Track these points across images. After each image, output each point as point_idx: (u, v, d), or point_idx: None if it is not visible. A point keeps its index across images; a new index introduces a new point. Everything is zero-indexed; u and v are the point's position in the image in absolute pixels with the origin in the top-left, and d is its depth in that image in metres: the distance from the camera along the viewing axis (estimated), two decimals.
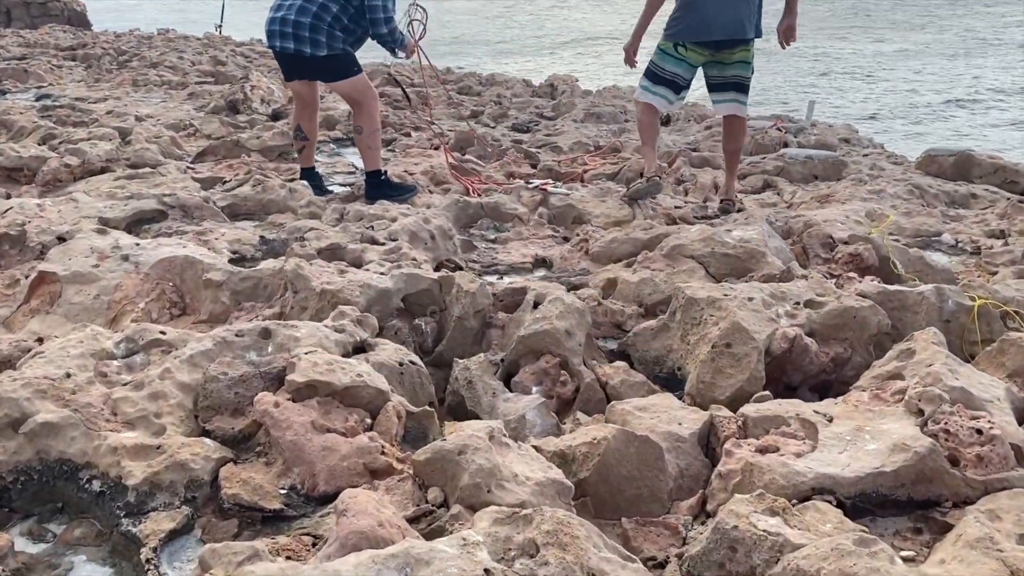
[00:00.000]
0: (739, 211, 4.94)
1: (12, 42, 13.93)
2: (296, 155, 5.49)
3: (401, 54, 5.11)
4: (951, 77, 20.72)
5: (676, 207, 5.10)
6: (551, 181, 5.01)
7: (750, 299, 3.08)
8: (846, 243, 4.00)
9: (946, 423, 2.23)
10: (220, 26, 16.51)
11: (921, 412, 2.32)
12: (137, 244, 3.71)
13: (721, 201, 5.08)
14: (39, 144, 6.01)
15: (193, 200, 4.36)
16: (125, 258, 3.62)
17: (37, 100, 9.17)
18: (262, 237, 4.17)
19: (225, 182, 5.60)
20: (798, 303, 3.16)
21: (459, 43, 26.67)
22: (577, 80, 11.81)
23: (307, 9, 4.68)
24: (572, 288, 3.90)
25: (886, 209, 4.99)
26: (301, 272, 3.24)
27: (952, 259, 4.46)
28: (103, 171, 5.49)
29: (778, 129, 7.15)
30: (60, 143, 6.00)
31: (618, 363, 3.07)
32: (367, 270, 3.45)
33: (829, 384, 3.10)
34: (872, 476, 2.12)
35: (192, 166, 5.99)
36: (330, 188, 5.56)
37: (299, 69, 5.03)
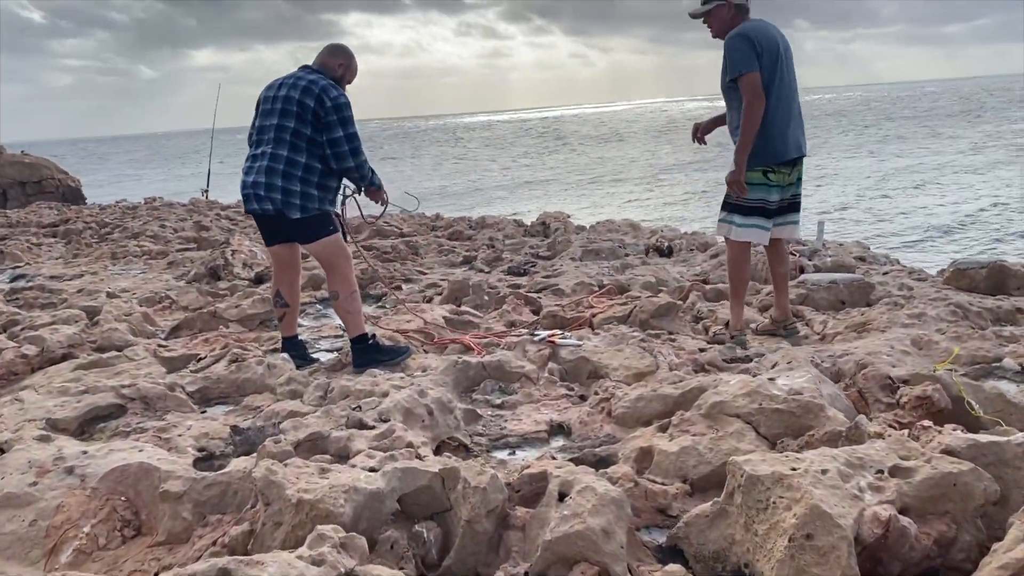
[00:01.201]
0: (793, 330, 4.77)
1: None
2: (277, 323, 5.00)
3: (373, 204, 4.76)
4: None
5: (700, 349, 4.59)
6: (558, 331, 4.51)
7: (824, 472, 2.50)
8: (908, 383, 3.46)
9: None
10: (206, 191, 16.52)
11: None
12: (84, 452, 3.15)
13: (784, 326, 4.87)
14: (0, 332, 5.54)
15: (155, 390, 3.82)
16: (69, 471, 3.06)
17: (11, 281, 8.81)
18: (234, 428, 3.61)
19: (200, 359, 5.10)
20: (881, 471, 2.58)
21: (445, 194, 27.00)
22: (569, 216, 11.58)
23: (274, 169, 4.32)
24: (599, 462, 3.32)
25: (932, 335, 4.48)
26: (273, 479, 2.66)
27: (1023, 387, 3.91)
28: (64, 358, 4.99)
29: (792, 254, 6.74)
30: (22, 329, 5.53)
31: (672, 567, 2.45)
32: (354, 465, 2.88)
33: (935, 572, 2.48)
34: None
35: (164, 343, 5.49)
36: (315, 356, 5.05)
37: (276, 231, 4.64)
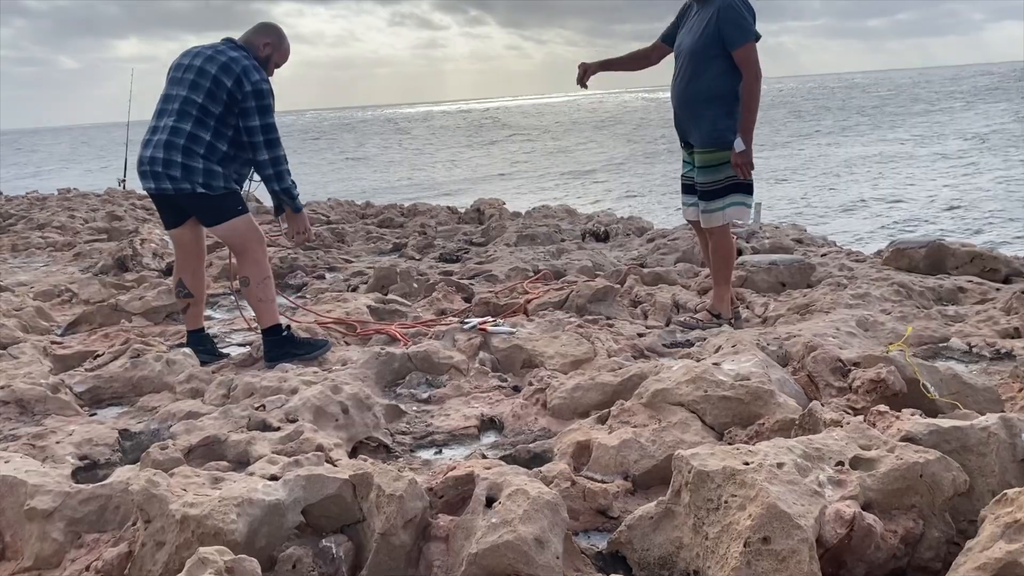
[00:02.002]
0: (730, 322, 4.46)
1: None
2: (181, 315, 4.57)
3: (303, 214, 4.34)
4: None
5: (639, 334, 4.33)
6: (490, 318, 4.19)
7: (780, 465, 2.24)
8: (860, 366, 3.25)
9: None
10: (123, 180, 15.69)
11: None
12: None
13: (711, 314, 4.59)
14: None
15: (34, 392, 3.38)
16: None
17: None
18: (123, 432, 3.19)
19: (97, 356, 4.63)
20: (841, 463, 2.34)
21: (375, 190, 26.28)
22: (504, 203, 11.27)
23: (174, 143, 3.90)
24: (533, 459, 3.02)
25: (878, 315, 4.31)
26: (154, 492, 2.29)
27: (972, 368, 3.75)
28: None
29: None
30: None
31: None
32: (252, 473, 2.52)
33: (901, 573, 2.26)
34: None
35: (59, 340, 5.00)
36: (226, 352, 4.63)
37: (177, 211, 4.21)
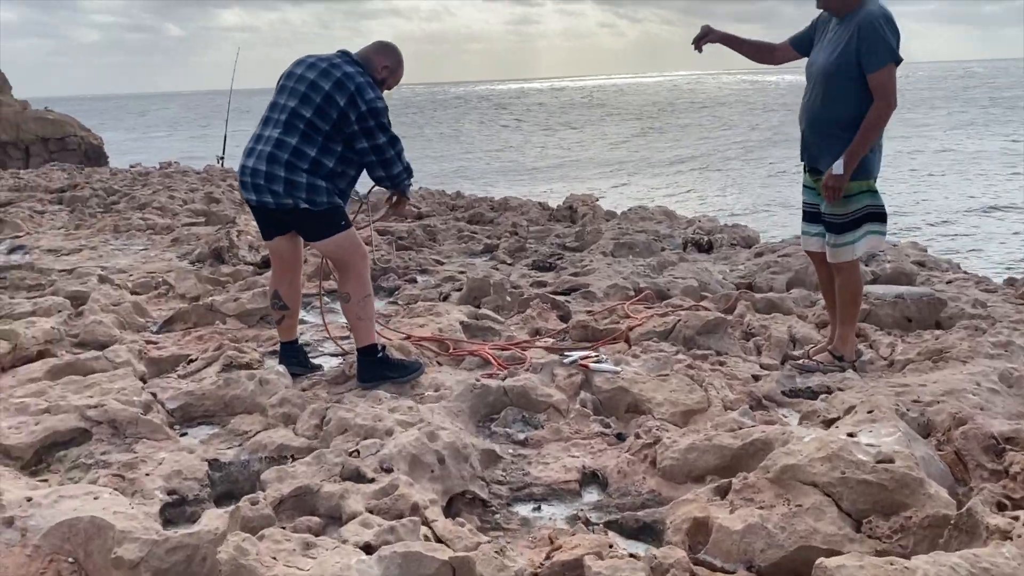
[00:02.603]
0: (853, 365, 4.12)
1: (3, 185, 13.33)
2: (275, 325, 4.46)
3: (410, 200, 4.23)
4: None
5: (754, 376, 4.01)
6: (592, 354, 3.94)
7: None
8: (1018, 445, 2.87)
9: None
10: (222, 158, 15.95)
11: None
12: (29, 499, 2.63)
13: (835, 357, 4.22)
14: None
15: (126, 413, 3.30)
16: (8, 522, 2.54)
17: (8, 253, 8.35)
18: (212, 463, 3.08)
19: (190, 360, 4.58)
20: None
21: (463, 174, 26.11)
22: (597, 199, 10.94)
23: (278, 157, 3.76)
24: (642, 529, 2.77)
25: (1022, 368, 3.87)
26: (243, 562, 2.14)
27: None
28: (40, 356, 4.48)
29: None
30: (1, 317, 5.03)
31: None
32: (345, 540, 2.34)
33: None
34: None
35: (154, 339, 4.98)
36: (318, 362, 4.51)
37: (276, 224, 4.08)
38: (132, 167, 17.76)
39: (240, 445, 3.40)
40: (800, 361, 4.10)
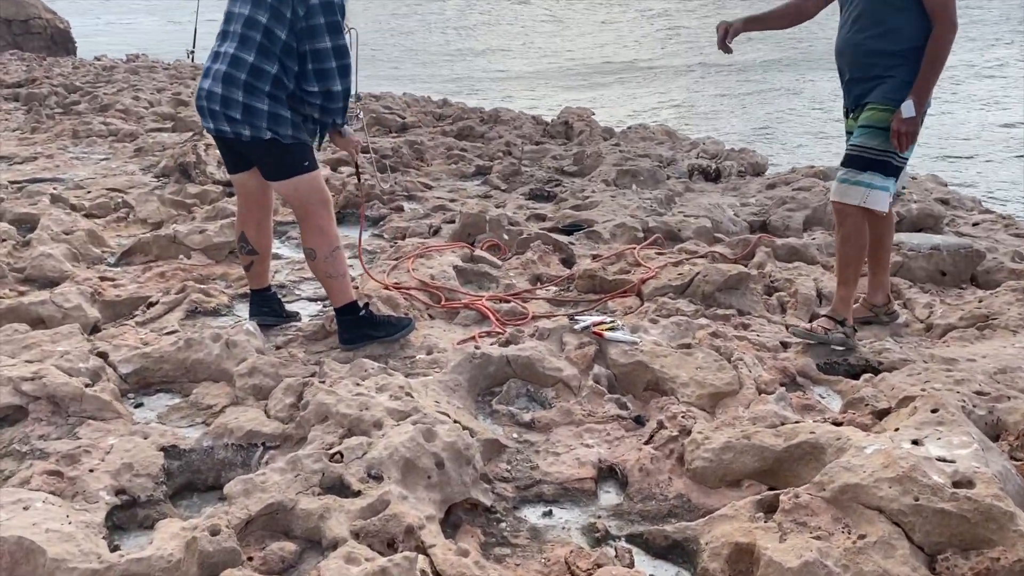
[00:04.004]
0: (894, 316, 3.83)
1: None
2: (244, 271, 3.95)
3: (348, 130, 3.59)
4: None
5: (783, 344, 3.59)
6: (606, 319, 3.48)
7: None
8: None
9: None
10: (192, 52, 14.92)
11: None
12: None
13: (885, 311, 3.87)
14: None
15: (68, 388, 2.82)
16: None
17: None
18: (170, 451, 2.64)
19: (151, 304, 4.09)
20: None
21: (456, 78, 24.76)
22: (593, 113, 10.30)
23: (234, 77, 3.19)
24: (671, 548, 2.39)
25: None
26: None
27: None
28: None
29: None
30: None
31: None
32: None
33: None
34: None
35: (110, 275, 4.45)
36: (294, 310, 4.04)
37: (240, 156, 3.53)
38: (97, 59, 16.67)
39: (203, 423, 2.97)
40: (801, 329, 3.60)
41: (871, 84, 3.46)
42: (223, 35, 3.35)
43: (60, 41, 32.64)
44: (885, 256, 3.86)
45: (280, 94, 3.23)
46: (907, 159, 3.53)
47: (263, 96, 3.20)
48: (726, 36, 3.71)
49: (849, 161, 3.49)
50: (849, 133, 3.64)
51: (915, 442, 2.46)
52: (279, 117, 3.24)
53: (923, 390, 2.89)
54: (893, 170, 3.44)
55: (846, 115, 3.69)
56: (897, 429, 2.59)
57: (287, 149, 3.30)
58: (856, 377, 3.31)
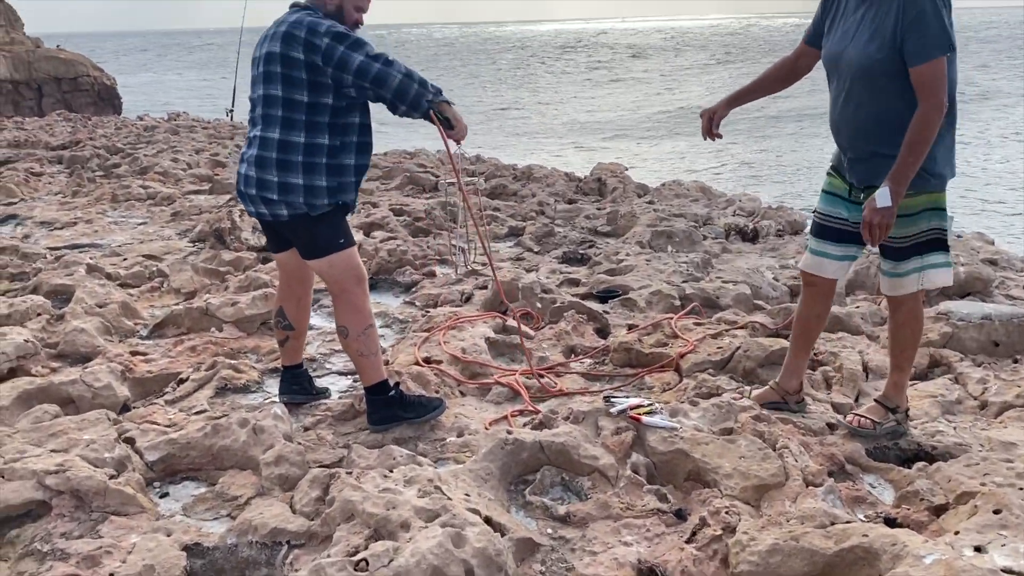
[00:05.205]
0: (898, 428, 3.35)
1: (3, 139, 12.76)
2: (278, 346, 3.89)
3: (456, 111, 3.31)
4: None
5: (829, 425, 3.43)
6: (643, 400, 3.35)
7: None
8: None
9: None
10: (231, 111, 15.30)
11: None
12: None
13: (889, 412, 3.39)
14: None
15: (92, 482, 2.76)
16: None
17: (1, 223, 7.84)
18: (192, 550, 2.56)
19: (181, 381, 4.06)
20: None
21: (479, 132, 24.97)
22: (626, 169, 10.26)
23: (265, 159, 3.18)
24: None
25: None
26: None
27: None
28: (12, 374, 3.98)
29: None
30: None
31: None
32: None
33: None
34: None
35: (142, 349, 4.44)
36: (323, 386, 3.97)
37: (280, 237, 3.50)
38: (140, 119, 17.12)
39: (229, 515, 2.89)
40: (850, 421, 3.40)
41: (871, 162, 3.16)
42: (251, 122, 3.36)
43: (107, 97, 33.81)
44: (815, 336, 3.59)
45: (314, 159, 3.18)
46: (947, 227, 3.32)
47: (297, 169, 3.16)
48: (711, 123, 3.51)
49: (892, 253, 3.22)
50: (831, 194, 3.35)
51: (978, 549, 2.30)
52: (315, 188, 3.19)
53: (982, 484, 2.72)
54: (944, 244, 3.25)
55: (844, 181, 3.31)
56: (957, 532, 2.43)
57: (323, 223, 3.24)
58: (908, 464, 3.14)
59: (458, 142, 3.43)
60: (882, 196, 2.96)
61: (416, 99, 3.18)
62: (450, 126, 3.29)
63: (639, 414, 3.21)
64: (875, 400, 3.43)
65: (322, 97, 3.16)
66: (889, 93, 3.05)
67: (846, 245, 3.33)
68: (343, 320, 3.39)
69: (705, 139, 3.60)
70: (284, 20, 3.20)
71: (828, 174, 3.42)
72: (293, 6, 3.30)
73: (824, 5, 3.33)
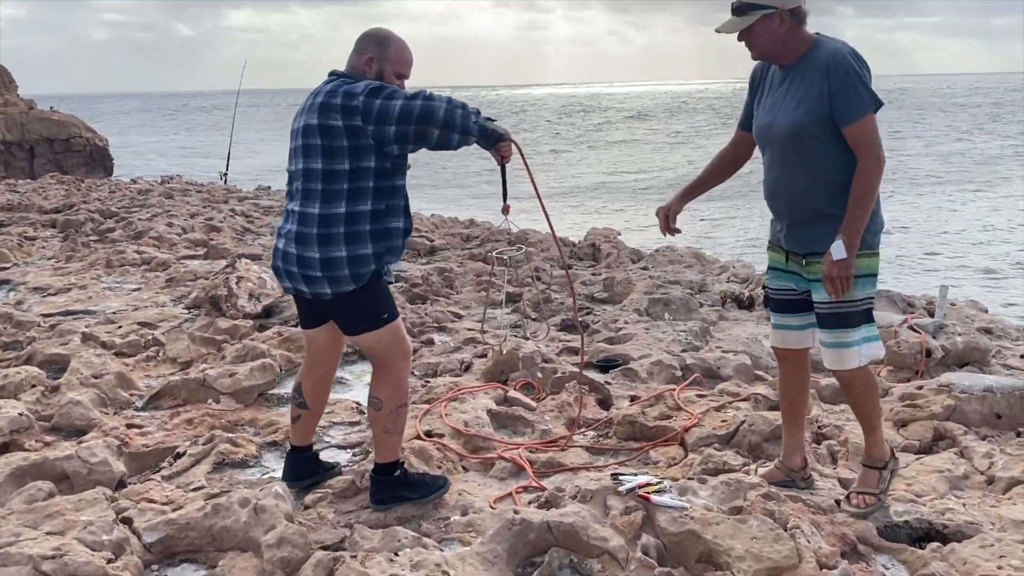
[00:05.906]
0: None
1: None
2: (290, 423, 3.80)
3: (504, 128, 3.28)
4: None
5: (837, 501, 3.39)
6: (652, 478, 3.31)
7: None
8: None
9: None
10: (225, 175, 15.41)
11: None
12: None
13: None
14: None
15: (89, 568, 2.68)
16: None
17: None
18: None
19: (178, 455, 3.99)
20: None
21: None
22: (619, 234, 10.35)
23: (306, 235, 3.10)
24: None
25: None
26: None
27: None
28: (5, 448, 3.91)
29: (912, 328, 5.49)
30: None
31: None
32: None
33: None
34: None
35: (138, 421, 4.37)
36: (333, 462, 3.88)
37: (316, 312, 3.42)
38: (134, 182, 17.20)
39: None
40: (856, 504, 3.36)
41: (809, 229, 3.19)
42: (289, 195, 3.30)
43: (99, 159, 34.00)
44: (803, 409, 3.59)
45: (357, 228, 3.10)
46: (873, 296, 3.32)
47: (339, 241, 3.09)
48: (667, 220, 3.54)
49: (829, 321, 3.19)
50: (777, 269, 3.40)
51: None
52: (359, 258, 3.12)
53: (999, 567, 2.69)
54: (869, 315, 3.22)
55: (782, 253, 3.36)
56: None
57: (366, 295, 3.17)
58: (920, 543, 3.11)
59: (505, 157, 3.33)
60: (837, 249, 3.02)
61: (464, 122, 3.09)
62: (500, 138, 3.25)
63: (648, 493, 3.17)
64: (864, 466, 3.41)
65: (364, 161, 3.09)
66: (821, 155, 3.12)
67: (804, 314, 3.37)
68: (380, 393, 3.32)
69: (664, 235, 3.66)
70: (320, 91, 3.17)
71: (768, 249, 3.48)
72: (331, 74, 3.26)
73: (751, 89, 3.43)
